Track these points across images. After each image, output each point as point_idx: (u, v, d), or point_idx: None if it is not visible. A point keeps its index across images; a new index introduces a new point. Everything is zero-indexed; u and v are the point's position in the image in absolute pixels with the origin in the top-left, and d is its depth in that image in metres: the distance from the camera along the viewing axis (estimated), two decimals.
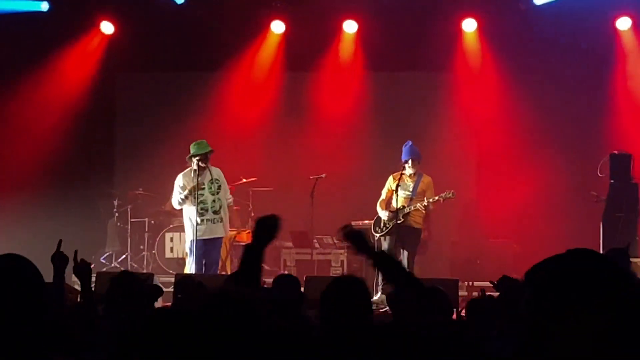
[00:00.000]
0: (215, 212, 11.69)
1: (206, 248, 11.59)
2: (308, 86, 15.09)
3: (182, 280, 8.27)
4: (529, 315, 2.12)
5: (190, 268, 11.67)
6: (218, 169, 11.84)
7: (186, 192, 11.57)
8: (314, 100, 15.04)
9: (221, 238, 11.89)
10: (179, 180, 11.73)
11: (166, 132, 14.57)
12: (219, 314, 3.10)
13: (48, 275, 5.96)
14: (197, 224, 11.55)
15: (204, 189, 11.62)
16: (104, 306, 5.12)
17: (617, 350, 2.05)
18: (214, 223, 11.69)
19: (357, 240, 4.20)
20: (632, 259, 10.25)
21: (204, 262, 11.53)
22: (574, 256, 2.16)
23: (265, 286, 7.19)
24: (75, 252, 5.28)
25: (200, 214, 11.59)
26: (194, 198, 11.55)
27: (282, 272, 13.11)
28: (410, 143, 12.06)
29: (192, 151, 11.61)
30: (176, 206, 11.90)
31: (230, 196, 12.15)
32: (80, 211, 14.60)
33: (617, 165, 12.71)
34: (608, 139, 13.69)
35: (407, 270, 12.00)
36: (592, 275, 2.10)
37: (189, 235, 11.76)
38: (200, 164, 11.53)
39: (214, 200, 11.68)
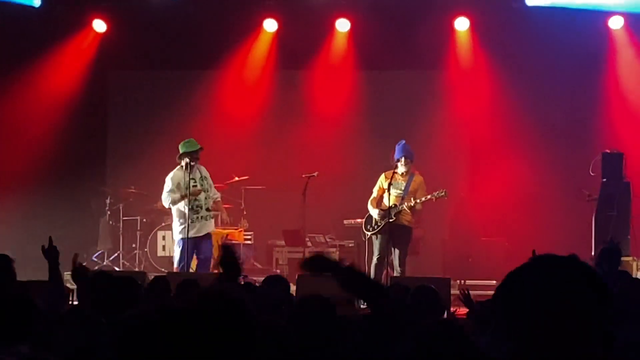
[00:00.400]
0: (208, 210, 11.80)
1: (201, 245, 11.68)
2: (300, 84, 15.09)
3: (155, 280, 8.14)
4: (501, 324, 2.15)
5: (177, 262, 11.69)
6: (203, 167, 11.91)
7: (180, 193, 11.56)
8: (306, 99, 15.04)
9: (210, 233, 11.98)
10: (170, 179, 11.73)
11: (158, 130, 14.55)
12: (212, 312, 3.09)
13: (40, 274, 5.98)
14: (191, 221, 11.58)
15: (195, 186, 11.64)
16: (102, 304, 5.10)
17: (587, 352, 2.08)
18: (206, 220, 11.81)
19: (317, 264, 3.77)
20: (623, 258, 10.28)
21: (198, 258, 11.66)
22: (538, 264, 2.17)
23: (256, 285, 7.20)
24: (75, 255, 5.22)
25: (195, 211, 11.64)
26: (188, 197, 11.55)
27: (274, 270, 13.12)
28: (404, 142, 12.06)
29: (181, 150, 11.65)
30: (166, 205, 11.92)
31: (218, 192, 12.19)
32: (72, 209, 14.59)
33: (609, 164, 12.74)
34: (600, 137, 13.72)
35: (399, 272, 11.95)
36: (556, 282, 2.12)
37: (178, 230, 11.75)
38: (190, 162, 11.55)
39: (206, 198, 11.78)
